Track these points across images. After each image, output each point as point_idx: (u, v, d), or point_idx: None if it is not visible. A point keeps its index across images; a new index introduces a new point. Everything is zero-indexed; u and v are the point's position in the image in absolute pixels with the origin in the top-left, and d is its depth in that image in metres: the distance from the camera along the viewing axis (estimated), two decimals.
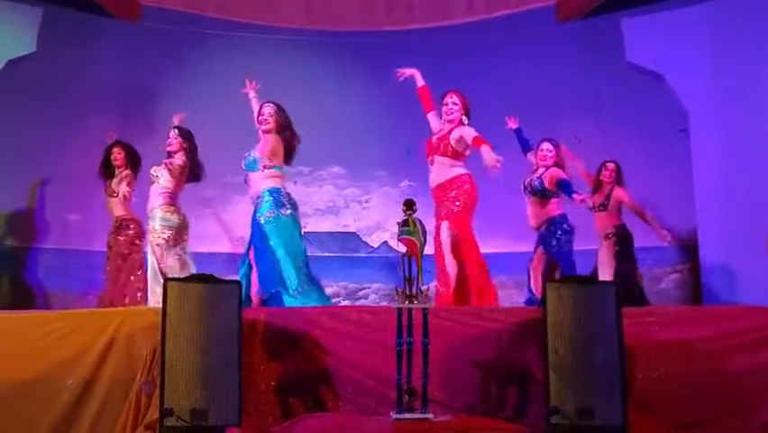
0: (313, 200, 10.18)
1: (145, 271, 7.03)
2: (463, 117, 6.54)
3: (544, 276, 6.87)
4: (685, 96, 8.61)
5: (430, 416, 4.55)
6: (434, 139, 6.60)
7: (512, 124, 7.76)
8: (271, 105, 6.62)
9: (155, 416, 4.60)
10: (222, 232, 9.45)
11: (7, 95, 8.37)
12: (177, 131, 7.07)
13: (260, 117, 6.60)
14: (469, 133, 6.40)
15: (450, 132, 6.51)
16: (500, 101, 9.38)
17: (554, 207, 7.07)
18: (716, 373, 5.06)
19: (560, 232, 6.96)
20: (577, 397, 4.39)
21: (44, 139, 8.71)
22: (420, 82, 6.92)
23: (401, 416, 4.52)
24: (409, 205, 4.80)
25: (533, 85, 9.54)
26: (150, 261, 6.81)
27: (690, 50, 8.57)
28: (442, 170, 6.50)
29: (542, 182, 7.00)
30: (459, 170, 6.48)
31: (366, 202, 10.26)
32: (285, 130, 6.59)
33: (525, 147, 7.60)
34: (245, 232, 6.87)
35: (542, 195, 7.03)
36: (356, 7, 9.76)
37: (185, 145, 6.98)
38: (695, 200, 8.49)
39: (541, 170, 7.08)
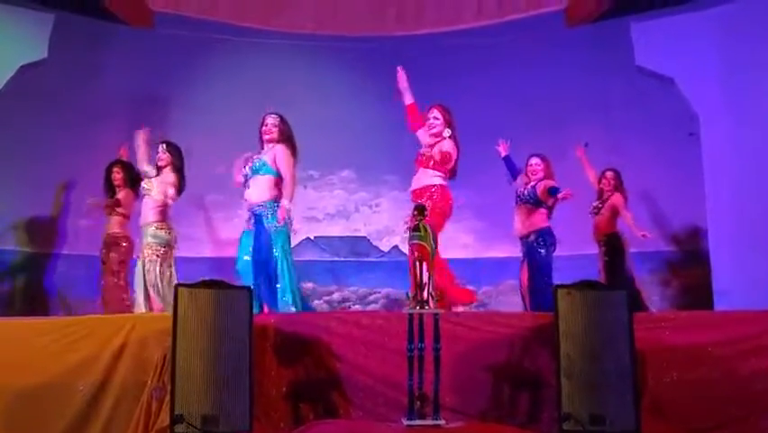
0: (323, 204, 10.20)
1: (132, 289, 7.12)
2: (445, 130, 6.69)
3: (531, 285, 7.14)
4: (695, 99, 8.57)
5: (442, 422, 4.53)
6: (422, 153, 6.73)
7: (502, 151, 7.58)
8: (275, 116, 6.64)
9: (166, 422, 4.61)
10: (230, 237, 9.47)
11: (19, 100, 8.40)
12: (165, 146, 7.18)
13: (264, 128, 6.60)
14: (442, 146, 6.63)
15: (433, 146, 6.69)
16: (509, 105, 9.41)
17: (543, 219, 7.25)
18: (727, 377, 5.05)
19: (548, 243, 7.16)
20: (589, 402, 4.39)
21: (55, 145, 8.74)
22: (409, 100, 6.93)
23: (413, 422, 4.50)
24: (420, 210, 4.79)
25: (542, 89, 9.54)
26: (141, 274, 6.90)
27: (700, 53, 8.54)
28: (421, 178, 6.69)
29: (534, 191, 7.20)
30: (436, 179, 6.64)
31: (376, 206, 10.25)
32: (289, 140, 6.62)
33: (514, 173, 7.54)
34: None
35: (534, 203, 7.22)
36: (366, 12, 9.75)
37: (172, 160, 7.06)
38: (705, 204, 8.45)
39: (533, 182, 7.29)
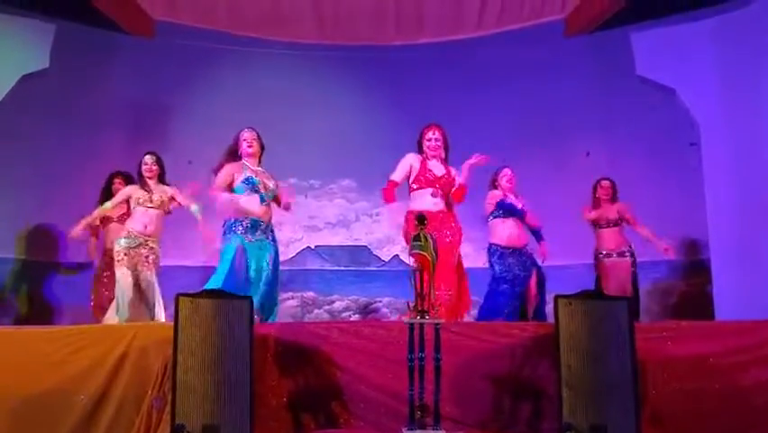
0: (324, 214, 10.21)
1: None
2: (442, 152, 6.69)
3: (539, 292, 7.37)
4: (696, 109, 8.59)
5: (442, 432, 4.53)
6: (441, 176, 6.60)
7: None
8: (252, 130, 6.62)
9: (166, 432, 4.60)
10: None
11: (21, 110, 8.41)
12: (153, 157, 7.10)
13: (245, 143, 6.56)
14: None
15: (449, 171, 6.64)
16: (510, 115, 9.42)
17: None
18: (729, 387, 5.05)
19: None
20: (590, 413, 4.38)
21: (57, 154, 8.76)
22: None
23: (413, 432, 4.50)
24: (421, 220, 4.79)
25: (543, 99, 9.55)
26: (154, 284, 6.88)
27: (700, 63, 8.56)
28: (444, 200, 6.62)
29: (524, 213, 7.37)
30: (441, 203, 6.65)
31: (377, 215, 10.26)
32: (263, 154, 6.69)
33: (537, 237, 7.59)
34: None
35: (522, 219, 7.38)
36: (367, 22, 9.78)
37: (159, 172, 7.03)
38: (706, 214, 8.46)
39: (519, 199, 7.44)
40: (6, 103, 8.23)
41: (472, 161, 6.62)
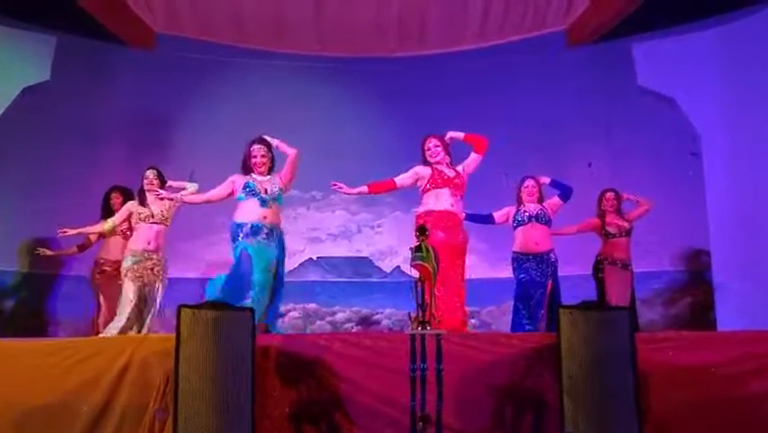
0: (326, 225, 10.21)
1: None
2: (446, 156, 6.71)
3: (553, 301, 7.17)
4: (696, 119, 8.61)
5: None
6: (453, 177, 6.60)
7: (545, 180, 7.52)
8: (261, 146, 6.61)
9: None
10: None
11: (22, 122, 8.44)
12: (155, 171, 7.18)
13: (254, 160, 6.57)
14: (468, 162, 6.73)
15: (458, 173, 6.65)
16: (513, 126, 9.42)
17: (551, 238, 7.36)
18: (731, 397, 5.03)
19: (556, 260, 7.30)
20: (592, 423, 4.37)
21: (58, 166, 8.78)
22: (364, 189, 6.97)
23: None
24: (422, 231, 4.79)
25: (545, 109, 9.57)
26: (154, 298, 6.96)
27: (701, 73, 8.59)
28: (459, 204, 6.62)
29: (547, 212, 7.31)
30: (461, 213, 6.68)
31: (378, 227, 10.26)
32: (275, 166, 6.69)
33: (566, 192, 7.40)
34: None
35: (548, 223, 7.30)
36: (369, 34, 9.81)
37: (160, 186, 7.08)
38: (708, 223, 8.45)
39: (536, 205, 7.35)
40: (8, 115, 8.26)
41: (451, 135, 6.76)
